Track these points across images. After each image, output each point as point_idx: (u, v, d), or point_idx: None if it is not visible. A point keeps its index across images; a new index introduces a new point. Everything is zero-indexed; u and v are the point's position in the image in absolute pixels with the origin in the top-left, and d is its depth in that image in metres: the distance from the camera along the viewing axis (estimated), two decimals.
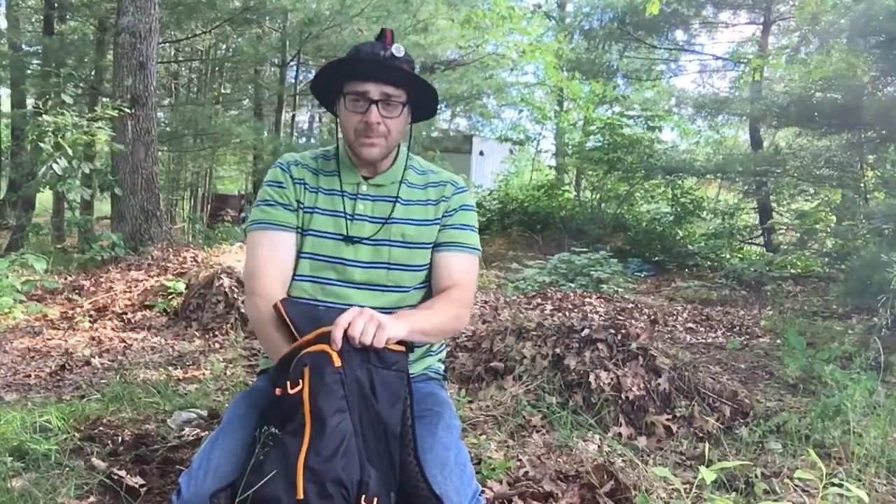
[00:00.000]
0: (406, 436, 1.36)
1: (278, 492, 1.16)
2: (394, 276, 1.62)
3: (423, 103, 1.65)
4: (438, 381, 1.73)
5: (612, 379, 2.82)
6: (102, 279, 5.43)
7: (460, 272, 1.66)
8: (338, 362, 1.27)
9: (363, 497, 1.21)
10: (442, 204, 1.68)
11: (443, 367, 1.80)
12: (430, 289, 1.69)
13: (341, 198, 1.64)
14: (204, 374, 3.41)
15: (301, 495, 1.15)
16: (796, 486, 2.16)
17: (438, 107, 1.67)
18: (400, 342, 1.38)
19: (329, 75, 1.60)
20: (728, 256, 10.78)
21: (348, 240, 1.61)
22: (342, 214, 1.63)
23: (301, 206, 1.64)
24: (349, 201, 1.64)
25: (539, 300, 6.17)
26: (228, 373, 3.44)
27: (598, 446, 2.44)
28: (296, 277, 1.62)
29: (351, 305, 1.45)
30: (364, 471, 1.23)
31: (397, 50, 1.55)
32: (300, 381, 1.24)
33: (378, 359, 1.33)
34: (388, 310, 1.54)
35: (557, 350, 3.03)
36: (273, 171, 1.68)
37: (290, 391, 1.24)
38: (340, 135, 1.66)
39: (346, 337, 1.29)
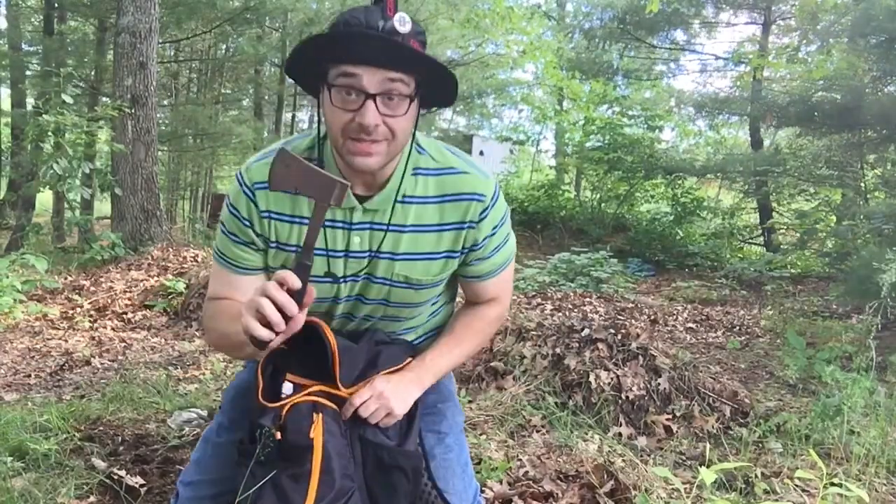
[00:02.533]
0: (423, 469, 1.34)
1: None
2: (391, 311, 1.38)
3: (437, 89, 1.20)
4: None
5: (612, 379, 2.82)
6: (102, 279, 5.43)
7: (496, 288, 1.45)
8: (344, 417, 1.26)
9: None
10: (466, 232, 1.30)
11: None
12: (452, 291, 1.50)
13: (330, 228, 1.27)
14: (204, 374, 3.41)
15: None
16: (796, 486, 2.16)
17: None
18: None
19: (308, 55, 1.15)
20: (728, 256, 10.78)
21: (343, 281, 1.31)
22: (333, 253, 1.28)
23: (272, 243, 1.30)
24: (341, 233, 1.27)
25: (539, 300, 6.17)
26: (228, 373, 3.44)
27: (598, 446, 2.43)
28: None
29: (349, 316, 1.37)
30: None
31: (401, 21, 1.11)
32: (311, 427, 1.19)
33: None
34: (392, 320, 1.41)
35: (557, 350, 3.03)
36: (235, 190, 1.29)
37: (311, 435, 1.18)
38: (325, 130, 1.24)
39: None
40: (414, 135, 1.26)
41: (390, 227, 1.27)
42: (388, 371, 1.32)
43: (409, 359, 1.39)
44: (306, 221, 1.24)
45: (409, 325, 1.45)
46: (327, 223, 1.26)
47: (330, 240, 1.28)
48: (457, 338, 1.44)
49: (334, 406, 1.26)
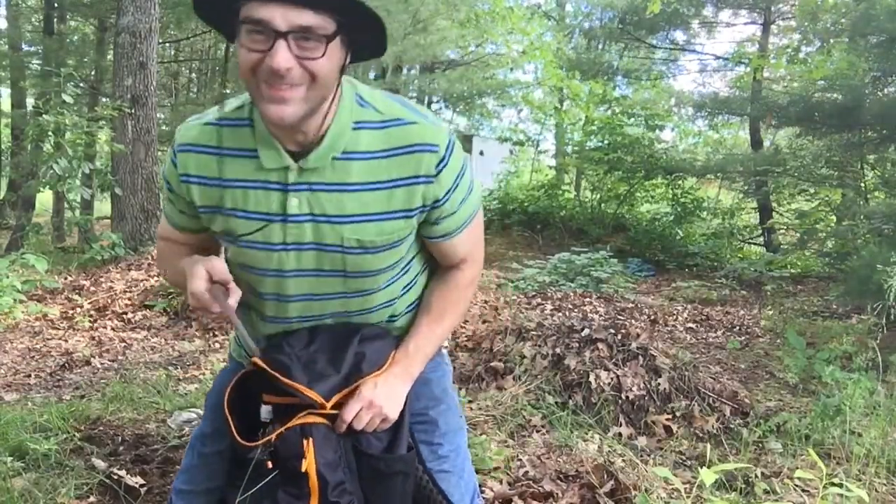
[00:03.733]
0: (424, 478, 1.34)
1: None
2: (354, 284, 1.25)
3: (363, 34, 1.09)
4: (432, 358, 1.43)
5: (612, 379, 2.82)
6: (102, 279, 5.43)
7: (467, 244, 1.32)
8: (336, 431, 1.25)
9: None
10: (421, 187, 1.17)
11: None
12: (416, 265, 1.37)
13: (264, 190, 1.16)
14: (204, 374, 3.41)
15: None
16: (796, 486, 2.16)
17: (388, 42, 1.11)
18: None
19: None
20: (728, 256, 10.78)
21: (283, 249, 1.19)
22: (269, 217, 1.17)
23: (200, 208, 1.22)
24: (277, 194, 1.16)
25: (539, 300, 6.17)
26: (220, 372, 3.44)
27: (598, 446, 2.43)
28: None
29: (309, 319, 1.29)
30: None
31: None
32: (303, 454, 1.18)
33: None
34: (353, 313, 1.30)
35: (557, 350, 3.03)
36: (168, 156, 1.25)
37: (301, 469, 1.17)
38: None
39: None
40: (338, 84, 1.12)
41: (331, 187, 1.15)
42: (373, 375, 1.26)
43: (393, 352, 1.32)
44: (232, 182, 1.17)
45: (382, 301, 1.31)
46: (259, 184, 1.16)
47: (264, 202, 1.16)
48: (436, 315, 1.34)
49: (324, 421, 1.23)
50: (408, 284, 1.35)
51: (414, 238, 1.27)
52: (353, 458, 1.25)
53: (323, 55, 1.03)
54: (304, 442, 1.18)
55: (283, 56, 1.00)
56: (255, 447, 1.18)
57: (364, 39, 1.10)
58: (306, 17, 1.00)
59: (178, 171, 1.20)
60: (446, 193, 1.20)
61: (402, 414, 1.29)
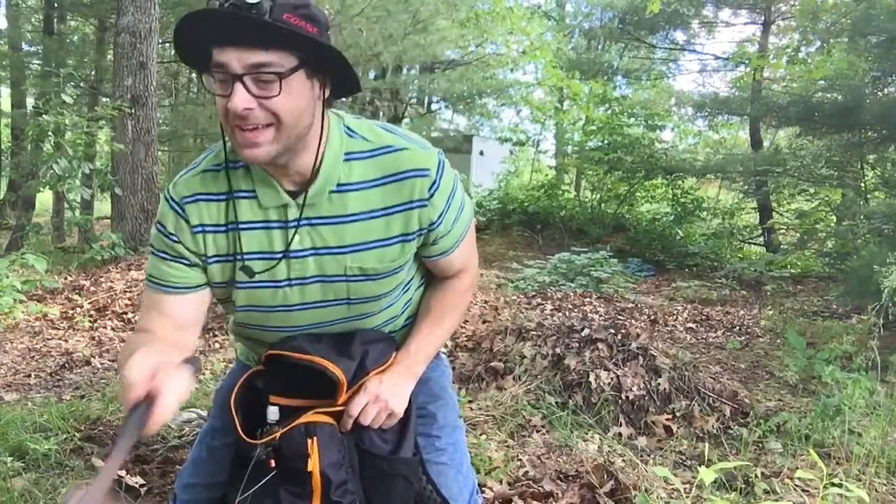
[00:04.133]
0: (420, 470, 1.33)
1: None
2: (357, 309, 1.28)
3: (330, 68, 1.10)
4: (433, 360, 1.48)
5: (612, 379, 2.83)
6: (102, 279, 5.43)
7: (461, 259, 1.36)
8: (341, 430, 1.25)
9: None
10: (416, 212, 1.20)
11: None
12: (424, 275, 1.42)
13: (266, 230, 1.19)
14: (204, 374, 3.41)
15: None
16: (796, 486, 2.16)
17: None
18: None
19: (187, 39, 1.06)
20: (728, 256, 10.78)
21: (288, 285, 1.22)
22: (273, 255, 1.20)
23: (209, 259, 1.22)
24: (279, 232, 1.19)
25: (539, 300, 6.17)
26: (228, 373, 3.44)
27: (598, 446, 2.44)
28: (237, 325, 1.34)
29: (315, 325, 1.29)
30: None
31: None
32: (307, 453, 1.18)
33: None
34: (361, 317, 1.32)
35: (557, 350, 3.03)
36: (162, 206, 1.22)
37: (309, 468, 1.18)
38: None
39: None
40: (323, 119, 1.16)
41: (330, 220, 1.18)
42: (377, 371, 1.28)
43: (394, 353, 1.35)
44: (242, 226, 1.18)
45: (383, 320, 1.34)
46: (260, 224, 1.18)
47: (267, 241, 1.19)
48: (436, 317, 1.37)
49: (329, 420, 1.23)
50: (407, 302, 1.38)
51: (413, 259, 1.30)
52: (356, 458, 1.26)
53: (279, 93, 1.03)
54: (309, 441, 1.18)
55: (239, 97, 1.02)
56: (258, 445, 1.18)
57: (337, 73, 1.10)
58: (259, 56, 1.01)
59: (192, 222, 1.19)
60: (440, 215, 1.23)
61: (408, 417, 1.30)
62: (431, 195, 1.20)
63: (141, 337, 1.23)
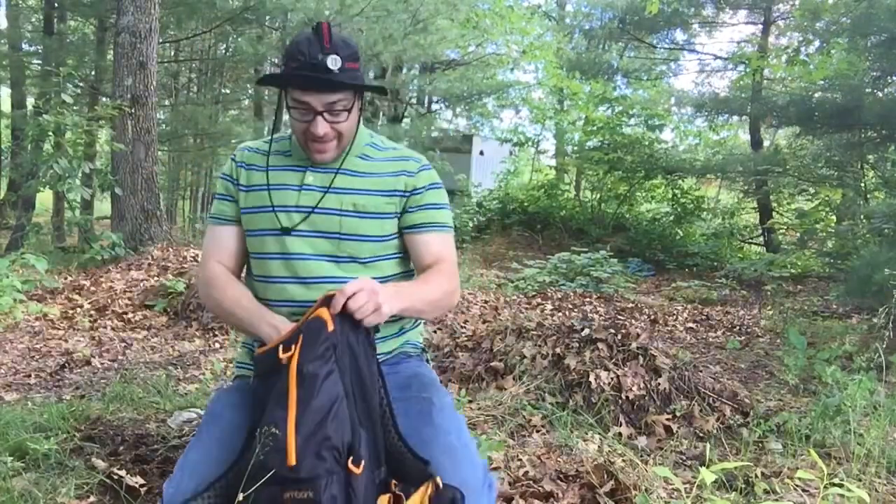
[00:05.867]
0: (384, 414, 1.35)
1: (268, 459, 1.15)
2: (345, 247, 1.56)
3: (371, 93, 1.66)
4: (418, 355, 1.71)
5: (612, 379, 2.82)
6: (102, 279, 5.43)
7: (439, 250, 1.62)
8: (331, 326, 1.28)
9: (350, 459, 1.20)
10: (403, 177, 1.61)
11: (421, 340, 1.78)
12: (399, 263, 1.67)
13: (288, 171, 1.61)
14: (204, 374, 3.41)
15: (293, 461, 1.14)
16: (796, 486, 2.16)
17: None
18: None
19: (270, 80, 1.63)
20: (728, 256, 10.78)
21: (295, 210, 1.57)
22: (292, 187, 1.59)
23: (244, 188, 1.62)
24: (297, 173, 1.60)
25: (539, 300, 6.17)
26: (228, 373, 3.44)
27: (598, 446, 2.43)
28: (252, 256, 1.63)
29: (306, 279, 1.54)
30: (355, 434, 1.22)
31: (333, 61, 1.45)
32: (292, 346, 1.26)
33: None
34: (341, 279, 1.52)
35: (557, 350, 3.03)
36: (227, 163, 1.70)
37: (281, 356, 1.26)
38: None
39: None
40: (358, 125, 1.63)
41: (340, 170, 1.59)
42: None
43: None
44: (271, 168, 1.61)
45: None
46: (289, 167, 1.62)
47: (288, 178, 1.60)
48: (423, 280, 1.57)
49: (318, 312, 1.30)
50: (393, 276, 1.63)
51: (395, 230, 1.62)
52: (346, 343, 1.30)
53: (346, 119, 1.53)
54: (299, 338, 1.27)
55: (320, 126, 1.51)
56: (267, 351, 1.33)
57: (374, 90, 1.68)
58: (333, 97, 1.49)
59: (237, 160, 1.65)
60: (421, 188, 1.63)
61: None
62: (419, 172, 1.64)
63: (217, 270, 1.63)
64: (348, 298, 1.31)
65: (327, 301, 1.32)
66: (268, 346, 1.37)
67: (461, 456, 1.35)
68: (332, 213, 1.56)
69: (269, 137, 1.68)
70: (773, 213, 11.22)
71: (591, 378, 2.82)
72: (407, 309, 1.44)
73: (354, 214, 1.56)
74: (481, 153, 18.04)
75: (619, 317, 5.31)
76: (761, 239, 11.59)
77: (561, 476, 2.11)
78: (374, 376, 1.33)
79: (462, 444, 1.39)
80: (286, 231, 1.55)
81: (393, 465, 1.32)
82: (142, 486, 1.97)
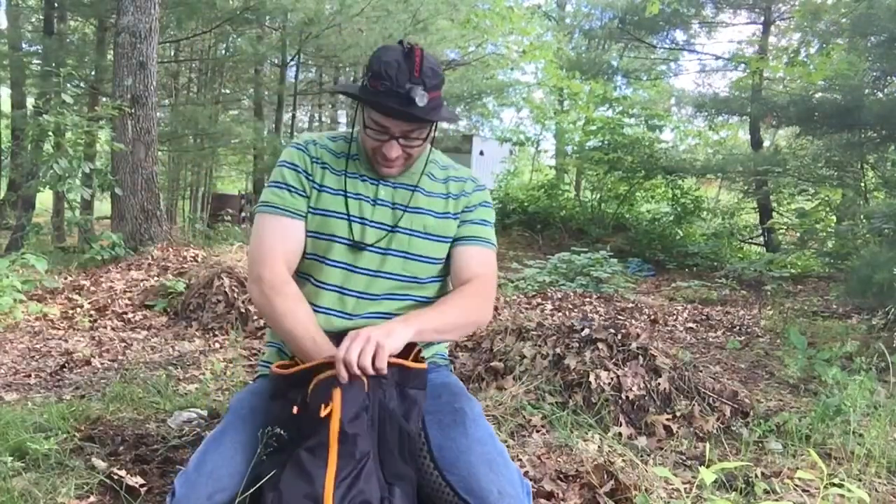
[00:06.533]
0: (419, 440, 1.36)
1: None
2: (410, 267, 1.58)
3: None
4: (445, 366, 1.72)
5: (612, 379, 2.82)
6: (102, 279, 5.43)
7: (479, 264, 1.62)
8: (366, 387, 1.27)
9: None
10: (462, 199, 1.65)
11: (447, 352, 1.79)
12: (445, 283, 1.68)
13: (363, 181, 1.59)
14: (204, 374, 3.41)
15: None
16: (797, 486, 2.16)
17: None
18: (417, 358, 1.39)
19: (352, 95, 1.55)
20: (728, 256, 10.78)
21: (370, 225, 1.57)
22: (365, 198, 1.58)
23: (316, 185, 1.58)
24: (371, 185, 1.59)
25: (539, 300, 6.17)
26: (228, 373, 3.44)
27: (598, 446, 2.43)
28: (306, 256, 1.58)
29: (362, 294, 1.54)
30: (384, 489, 1.23)
31: (420, 95, 1.41)
32: (329, 402, 1.23)
33: (398, 376, 1.34)
34: (398, 297, 1.58)
35: (557, 350, 3.03)
36: (288, 150, 1.62)
37: (321, 414, 1.22)
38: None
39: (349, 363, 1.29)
40: (432, 142, 1.64)
41: (408, 187, 1.61)
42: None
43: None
44: (345, 173, 1.58)
45: (424, 295, 1.62)
46: (359, 176, 1.60)
47: (361, 189, 1.59)
48: (440, 303, 1.56)
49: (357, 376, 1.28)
50: (436, 295, 1.65)
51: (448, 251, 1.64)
52: (376, 415, 1.29)
53: (420, 145, 1.54)
54: (333, 391, 1.25)
55: (394, 151, 1.51)
56: (288, 374, 1.33)
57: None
58: (411, 126, 1.49)
59: (312, 154, 1.60)
60: (473, 205, 1.66)
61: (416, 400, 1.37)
62: (473, 192, 1.68)
63: (290, 290, 1.54)
64: (346, 363, 1.28)
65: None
66: (301, 367, 1.35)
67: (499, 465, 1.35)
68: (405, 233, 1.58)
69: (350, 138, 1.64)
70: (773, 213, 11.22)
71: (591, 378, 2.82)
72: (420, 333, 1.41)
73: (424, 236, 1.59)
74: (481, 153, 18.06)
75: (619, 317, 5.31)
76: (761, 239, 11.59)
77: (561, 476, 2.11)
78: (412, 422, 1.33)
79: (498, 452, 1.39)
80: (360, 244, 1.55)
81: (430, 494, 1.33)
82: (142, 486, 1.97)
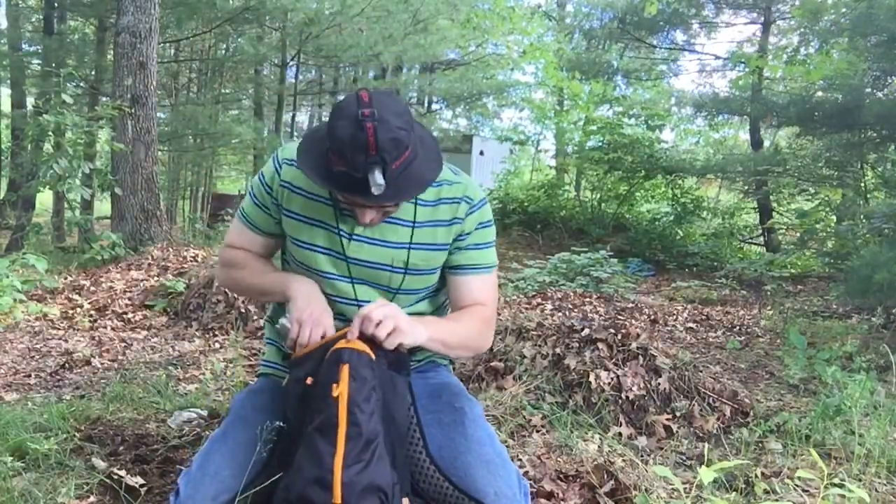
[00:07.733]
0: (414, 434, 1.36)
1: (312, 495, 1.14)
2: (396, 300, 1.50)
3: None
4: (446, 366, 1.70)
5: (612, 379, 2.82)
6: (102, 279, 5.43)
7: (481, 291, 1.55)
8: (371, 360, 1.27)
9: (405, 498, 1.23)
10: (455, 226, 1.50)
11: None
12: (444, 300, 1.64)
13: (335, 211, 1.46)
14: (204, 374, 3.41)
15: (339, 500, 1.13)
16: (797, 486, 2.16)
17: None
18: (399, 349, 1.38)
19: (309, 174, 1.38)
20: (728, 256, 10.78)
21: (346, 260, 1.47)
22: (336, 231, 1.46)
23: (286, 212, 1.50)
24: (347, 216, 1.46)
25: (539, 300, 6.17)
26: (228, 373, 3.44)
27: (598, 446, 2.43)
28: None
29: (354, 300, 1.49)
30: (394, 473, 1.22)
31: (378, 183, 1.23)
32: (337, 379, 1.22)
33: (395, 363, 1.34)
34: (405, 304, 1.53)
35: (557, 350, 3.03)
36: (268, 164, 1.54)
37: (333, 394, 1.21)
38: None
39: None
40: None
41: (393, 221, 1.46)
42: None
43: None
44: (318, 198, 1.46)
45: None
46: (331, 202, 1.47)
47: (333, 219, 1.47)
48: (455, 318, 1.55)
49: (366, 349, 1.28)
50: (433, 311, 1.60)
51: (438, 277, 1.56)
52: (380, 382, 1.28)
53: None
54: (340, 367, 1.24)
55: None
56: (301, 357, 1.33)
57: None
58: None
59: (282, 178, 1.49)
60: (468, 232, 1.51)
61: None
62: (467, 217, 1.50)
63: (239, 254, 1.60)
64: (363, 321, 1.30)
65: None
66: (309, 349, 1.34)
67: (497, 466, 1.35)
68: (382, 270, 1.48)
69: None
70: (773, 213, 11.22)
71: (591, 378, 2.82)
72: (432, 338, 1.41)
73: (406, 272, 1.49)
74: (481, 153, 18.05)
75: (619, 317, 5.31)
76: (761, 239, 11.59)
77: (561, 476, 2.11)
78: (403, 411, 1.34)
79: (496, 453, 1.38)
80: (342, 278, 1.49)
81: (425, 488, 1.34)
82: (142, 486, 1.97)
